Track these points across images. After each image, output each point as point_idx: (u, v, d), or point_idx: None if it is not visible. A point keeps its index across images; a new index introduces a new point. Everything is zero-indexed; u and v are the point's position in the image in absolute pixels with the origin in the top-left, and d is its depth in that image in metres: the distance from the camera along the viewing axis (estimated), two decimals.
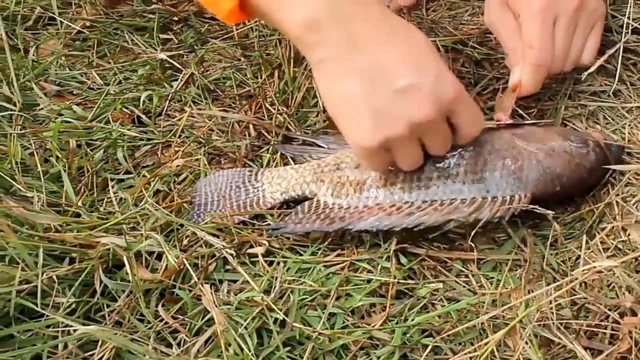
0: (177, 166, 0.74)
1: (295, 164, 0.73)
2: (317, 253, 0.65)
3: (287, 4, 0.57)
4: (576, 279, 0.53)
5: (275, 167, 0.74)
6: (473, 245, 0.61)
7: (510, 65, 0.71)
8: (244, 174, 0.72)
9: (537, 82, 0.69)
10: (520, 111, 0.74)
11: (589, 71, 0.73)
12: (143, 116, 0.81)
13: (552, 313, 0.54)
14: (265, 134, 0.77)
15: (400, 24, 0.60)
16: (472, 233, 0.60)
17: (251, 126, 0.78)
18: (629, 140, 0.71)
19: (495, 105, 0.73)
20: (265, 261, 0.65)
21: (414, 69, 0.57)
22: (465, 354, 0.54)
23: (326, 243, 0.66)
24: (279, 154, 0.76)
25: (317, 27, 0.56)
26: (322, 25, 0.56)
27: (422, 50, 0.58)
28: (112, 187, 0.73)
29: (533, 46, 0.68)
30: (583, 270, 0.52)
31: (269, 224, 0.68)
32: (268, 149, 0.76)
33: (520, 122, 0.70)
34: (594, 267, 0.50)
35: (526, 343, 0.52)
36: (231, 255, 0.64)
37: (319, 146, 0.73)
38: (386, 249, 0.64)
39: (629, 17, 0.76)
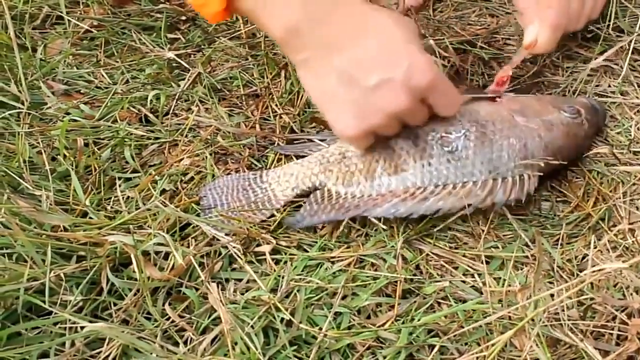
0: (185, 165, 0.74)
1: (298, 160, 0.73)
2: (325, 250, 0.65)
3: (269, 12, 0.61)
4: (584, 280, 0.53)
5: (279, 166, 0.74)
6: (480, 243, 0.61)
7: (524, 24, 0.73)
8: (248, 177, 0.72)
9: (553, 42, 0.72)
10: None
11: (596, 64, 0.75)
12: (150, 115, 0.81)
13: (565, 313, 0.54)
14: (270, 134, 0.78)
15: (376, 18, 0.62)
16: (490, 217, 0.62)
17: (257, 126, 0.78)
18: (635, 141, 0.71)
19: (495, 75, 0.74)
20: (272, 259, 0.65)
21: (385, 64, 0.60)
22: (472, 354, 0.54)
23: (333, 240, 0.66)
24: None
25: (296, 32, 0.60)
26: (301, 31, 0.60)
27: (393, 43, 0.61)
28: (119, 185, 0.73)
29: (552, 6, 0.70)
30: (593, 272, 0.52)
31: (277, 219, 0.68)
32: (273, 149, 0.76)
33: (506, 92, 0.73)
34: (604, 268, 0.50)
35: (534, 342, 0.52)
36: (238, 250, 0.64)
37: (319, 140, 0.73)
38: (393, 245, 0.64)
39: None
